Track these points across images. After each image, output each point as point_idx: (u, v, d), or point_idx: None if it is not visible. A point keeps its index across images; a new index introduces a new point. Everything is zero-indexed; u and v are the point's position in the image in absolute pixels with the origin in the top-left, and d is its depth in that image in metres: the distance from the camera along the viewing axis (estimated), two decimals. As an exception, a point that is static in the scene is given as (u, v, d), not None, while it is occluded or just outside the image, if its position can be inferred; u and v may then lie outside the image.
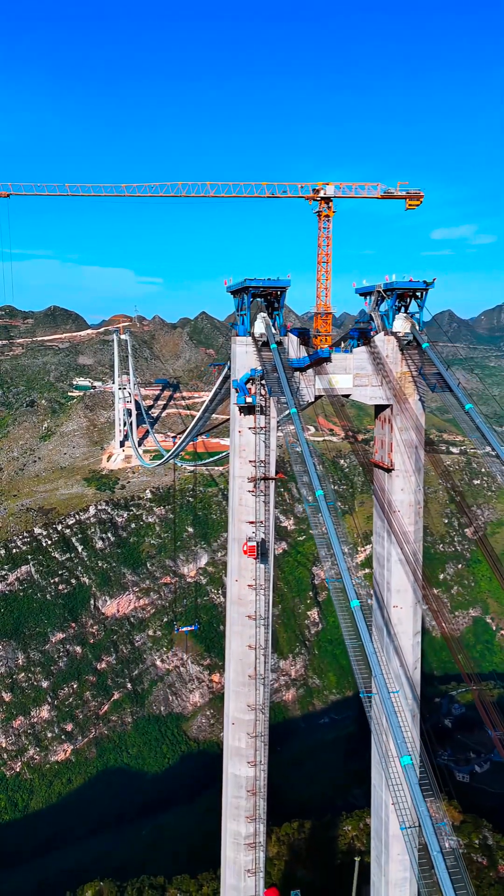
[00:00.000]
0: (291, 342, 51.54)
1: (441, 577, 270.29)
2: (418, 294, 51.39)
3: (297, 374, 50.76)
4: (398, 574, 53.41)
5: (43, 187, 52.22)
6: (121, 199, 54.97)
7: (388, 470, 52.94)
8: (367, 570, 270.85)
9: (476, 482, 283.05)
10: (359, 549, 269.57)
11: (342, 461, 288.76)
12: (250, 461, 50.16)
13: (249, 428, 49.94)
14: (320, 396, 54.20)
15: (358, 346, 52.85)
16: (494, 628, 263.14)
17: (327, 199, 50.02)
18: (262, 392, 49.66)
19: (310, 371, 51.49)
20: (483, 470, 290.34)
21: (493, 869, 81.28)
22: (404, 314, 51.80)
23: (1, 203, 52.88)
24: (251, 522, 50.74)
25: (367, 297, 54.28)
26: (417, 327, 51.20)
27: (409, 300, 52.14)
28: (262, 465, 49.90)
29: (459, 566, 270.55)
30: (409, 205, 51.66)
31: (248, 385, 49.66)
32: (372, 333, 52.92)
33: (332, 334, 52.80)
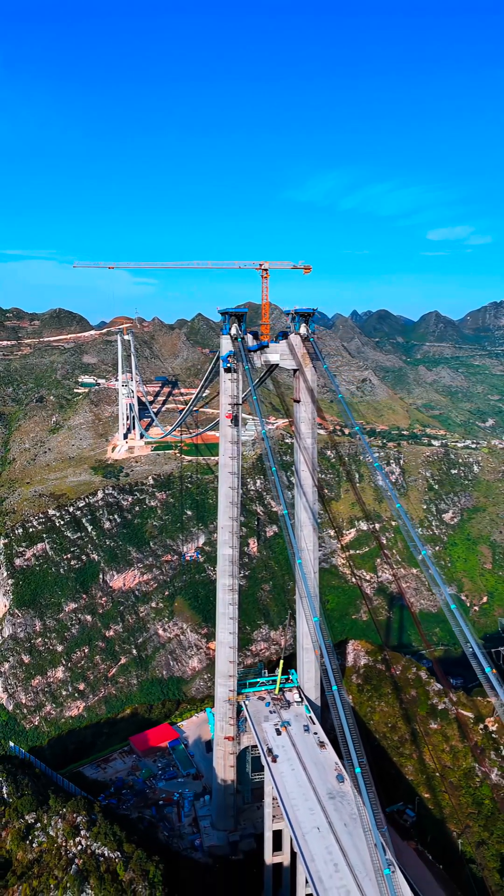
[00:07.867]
0: (249, 337, 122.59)
1: (420, 557, 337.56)
2: (310, 314, 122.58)
3: (251, 353, 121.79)
4: (302, 455, 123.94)
5: (128, 265, 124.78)
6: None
7: (298, 401, 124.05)
8: (351, 552, 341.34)
9: (454, 471, 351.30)
10: (344, 532, 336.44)
11: (329, 452, 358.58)
12: (229, 396, 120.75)
13: (228, 380, 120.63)
14: (268, 367, 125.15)
15: (282, 340, 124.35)
16: (469, 605, 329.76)
17: (265, 269, 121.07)
18: (235, 362, 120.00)
19: (259, 351, 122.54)
20: (460, 461, 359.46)
21: (388, 671, 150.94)
22: (305, 324, 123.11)
23: (109, 271, 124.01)
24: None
25: (289, 315, 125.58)
26: (310, 330, 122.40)
27: (306, 317, 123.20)
28: (234, 398, 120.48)
29: (437, 548, 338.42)
30: (305, 272, 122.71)
31: (229, 358, 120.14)
32: (290, 333, 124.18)
33: (270, 334, 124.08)
